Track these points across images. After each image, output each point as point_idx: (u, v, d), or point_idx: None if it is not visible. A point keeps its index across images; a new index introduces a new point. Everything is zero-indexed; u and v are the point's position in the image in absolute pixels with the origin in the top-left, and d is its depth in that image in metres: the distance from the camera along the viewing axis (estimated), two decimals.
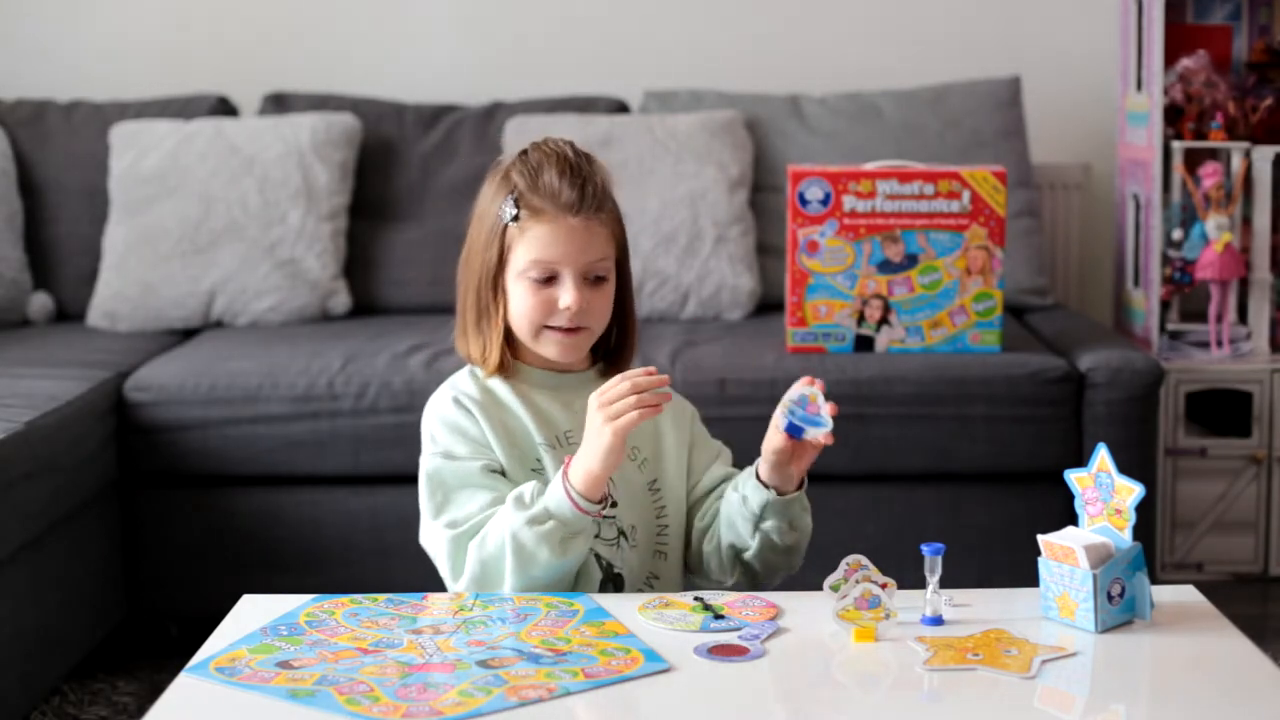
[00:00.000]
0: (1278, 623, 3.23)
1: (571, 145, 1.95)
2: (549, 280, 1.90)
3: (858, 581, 1.74)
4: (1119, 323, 3.81)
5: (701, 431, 2.07)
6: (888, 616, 1.71)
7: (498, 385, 1.95)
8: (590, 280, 1.92)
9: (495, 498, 1.87)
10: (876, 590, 1.73)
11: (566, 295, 1.90)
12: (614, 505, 1.90)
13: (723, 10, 4.02)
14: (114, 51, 4.01)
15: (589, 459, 1.80)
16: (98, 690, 2.87)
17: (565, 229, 1.89)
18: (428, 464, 1.91)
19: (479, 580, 1.85)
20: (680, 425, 2.03)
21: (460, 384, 1.96)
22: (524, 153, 1.95)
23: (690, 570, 2.01)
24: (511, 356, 1.96)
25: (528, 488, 1.84)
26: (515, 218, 1.90)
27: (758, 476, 1.89)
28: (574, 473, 1.81)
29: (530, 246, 1.90)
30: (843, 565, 1.77)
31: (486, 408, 1.92)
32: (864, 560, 1.77)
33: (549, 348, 1.94)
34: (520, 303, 1.91)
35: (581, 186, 1.91)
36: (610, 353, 2.01)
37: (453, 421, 1.92)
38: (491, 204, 1.93)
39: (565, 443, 1.93)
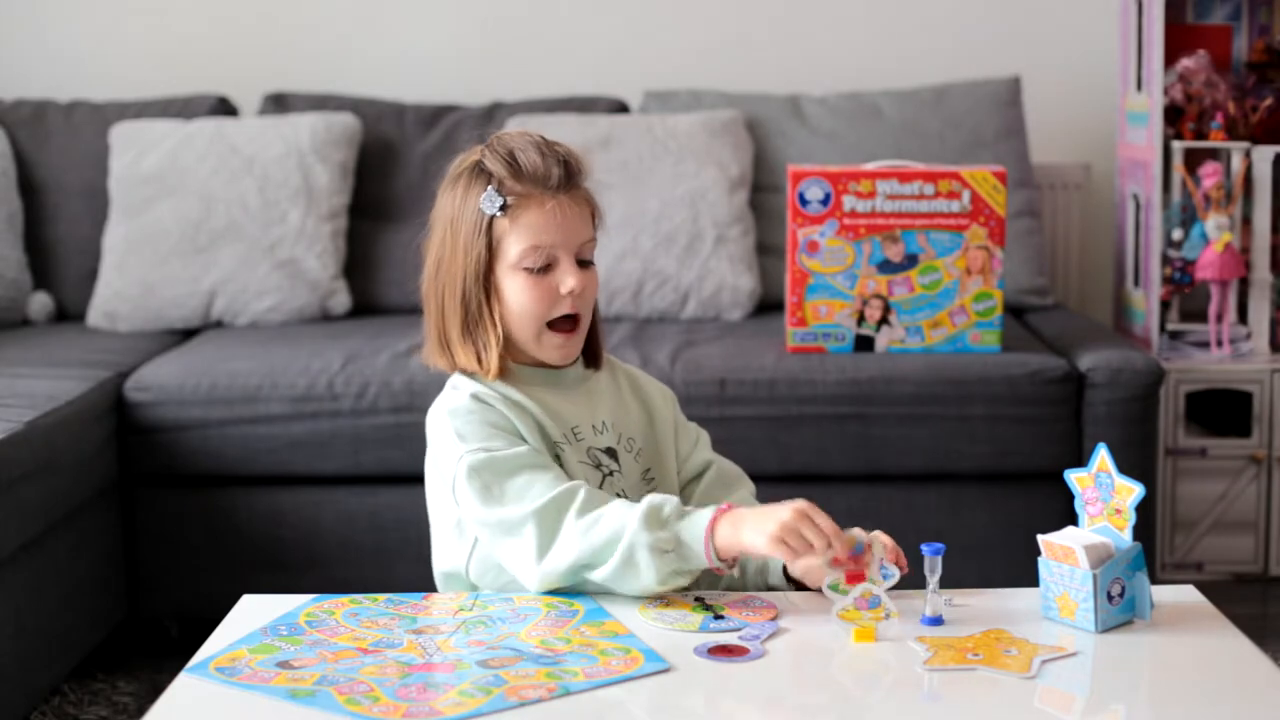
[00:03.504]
0: (1278, 623, 3.23)
1: (533, 132, 1.91)
2: (545, 268, 1.86)
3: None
4: (1119, 323, 3.81)
5: (681, 416, 2.04)
6: (888, 616, 1.71)
7: (502, 386, 1.88)
8: (579, 264, 1.88)
9: (556, 475, 1.80)
10: (876, 590, 1.73)
11: (569, 279, 1.85)
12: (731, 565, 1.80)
13: (723, 10, 4.02)
14: (114, 51, 4.01)
15: (747, 536, 1.72)
16: (98, 690, 2.87)
17: (556, 209, 1.84)
18: (468, 460, 1.80)
19: (575, 565, 1.76)
20: (666, 412, 2.01)
21: (468, 385, 1.89)
22: (486, 147, 1.88)
23: None
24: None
25: (668, 504, 1.76)
26: (503, 207, 1.84)
27: (785, 572, 1.85)
28: (723, 529, 1.73)
29: (523, 234, 1.84)
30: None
31: (505, 403, 1.86)
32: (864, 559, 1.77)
33: (548, 351, 1.89)
34: (520, 297, 1.86)
35: (563, 162, 1.86)
36: (586, 345, 1.95)
37: (480, 417, 1.84)
38: (464, 204, 1.87)
39: (574, 438, 1.89)
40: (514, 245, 1.85)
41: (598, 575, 1.77)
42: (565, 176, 1.86)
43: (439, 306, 1.91)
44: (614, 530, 1.74)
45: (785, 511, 1.72)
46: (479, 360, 1.88)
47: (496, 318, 1.88)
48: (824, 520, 1.72)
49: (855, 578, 1.73)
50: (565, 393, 1.93)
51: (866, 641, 1.68)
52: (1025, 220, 3.64)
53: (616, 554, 1.74)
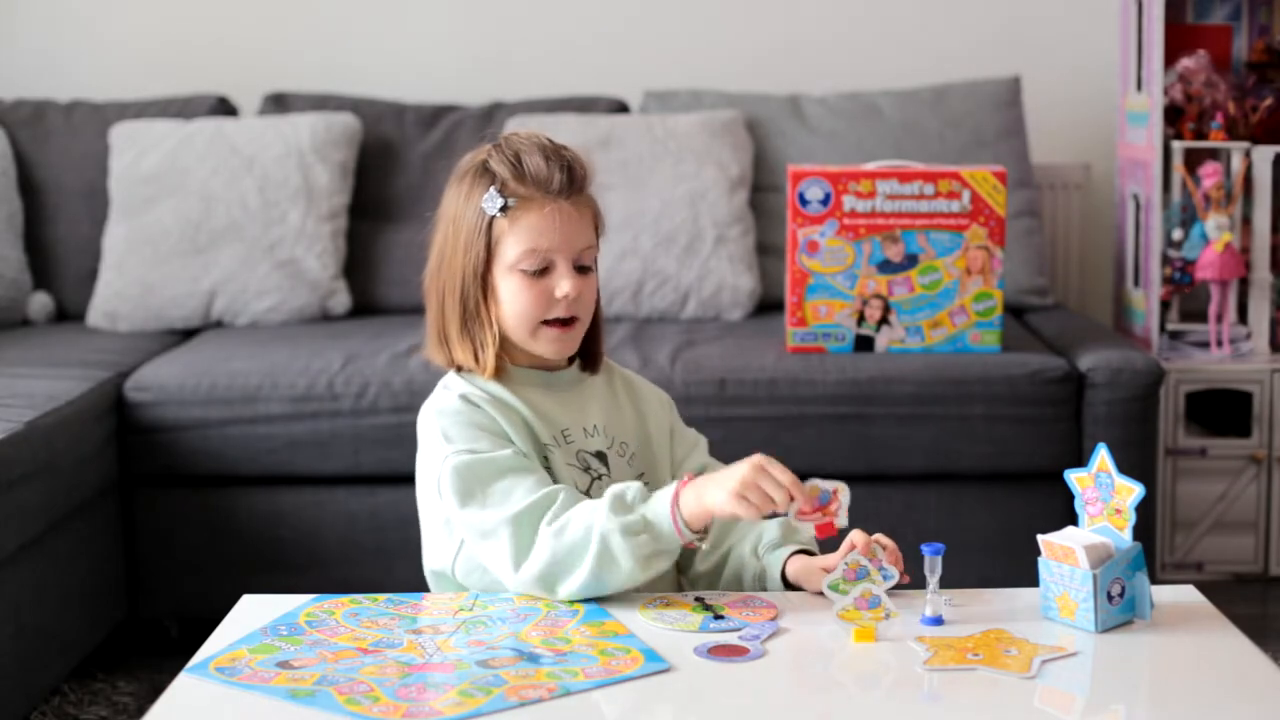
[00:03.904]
0: (1278, 623, 3.23)
1: (541, 135, 1.91)
2: (542, 271, 1.86)
3: (858, 580, 1.75)
4: (1119, 323, 3.81)
5: (678, 421, 2.04)
6: (888, 616, 1.72)
7: (493, 386, 1.90)
8: (578, 270, 1.88)
9: (539, 479, 1.81)
10: (876, 590, 1.73)
11: (564, 283, 1.86)
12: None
13: (723, 10, 4.03)
14: (114, 51, 4.01)
15: (710, 497, 1.73)
16: (98, 690, 2.87)
17: (557, 214, 1.85)
18: (452, 462, 1.82)
19: (548, 570, 1.77)
20: (661, 417, 2.01)
21: (458, 386, 1.90)
22: (495, 147, 1.89)
23: (679, 568, 1.99)
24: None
25: (630, 489, 1.77)
26: (504, 208, 1.85)
27: (783, 575, 1.86)
28: (687, 497, 1.75)
29: (522, 237, 1.85)
30: (842, 565, 1.77)
31: (493, 404, 1.87)
32: (862, 560, 1.76)
33: (544, 345, 1.89)
34: (515, 298, 1.86)
35: (568, 169, 1.87)
36: (585, 349, 1.96)
37: (467, 418, 1.85)
38: (468, 203, 1.88)
39: (564, 441, 1.90)
40: (512, 247, 1.86)
41: (578, 581, 1.76)
42: (568, 182, 1.87)
43: (439, 302, 1.93)
44: (585, 527, 1.75)
45: (744, 467, 1.73)
46: (476, 358, 1.89)
47: (493, 317, 1.89)
48: (782, 473, 1.73)
49: (825, 529, 1.74)
50: (558, 395, 1.93)
51: (866, 641, 1.68)
52: (1025, 220, 3.64)
53: (591, 548, 1.74)
